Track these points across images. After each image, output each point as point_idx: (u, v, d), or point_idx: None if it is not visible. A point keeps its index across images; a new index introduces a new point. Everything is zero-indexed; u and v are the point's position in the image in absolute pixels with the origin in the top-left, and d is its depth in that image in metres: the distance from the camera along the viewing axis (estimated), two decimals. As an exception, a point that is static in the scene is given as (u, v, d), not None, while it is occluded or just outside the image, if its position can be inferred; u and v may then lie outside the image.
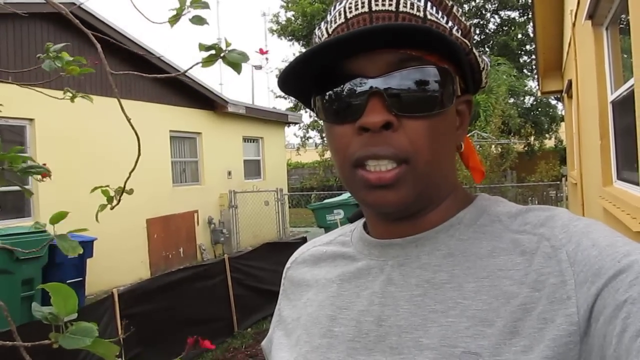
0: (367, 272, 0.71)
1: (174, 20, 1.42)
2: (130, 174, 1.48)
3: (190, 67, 1.47)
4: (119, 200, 1.52)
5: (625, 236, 0.59)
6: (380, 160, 0.62)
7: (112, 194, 1.50)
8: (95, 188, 1.50)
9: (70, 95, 1.93)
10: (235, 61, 1.31)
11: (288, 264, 0.86)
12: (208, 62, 1.34)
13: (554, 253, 0.60)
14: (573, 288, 0.56)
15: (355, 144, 0.64)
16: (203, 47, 1.34)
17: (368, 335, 0.66)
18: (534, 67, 19.88)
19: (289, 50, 35.02)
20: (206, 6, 1.40)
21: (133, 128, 1.42)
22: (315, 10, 21.53)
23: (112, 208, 1.51)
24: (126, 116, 1.42)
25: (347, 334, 0.68)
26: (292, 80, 0.67)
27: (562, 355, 0.54)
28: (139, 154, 1.45)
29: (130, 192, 1.51)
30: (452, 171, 0.71)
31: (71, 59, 1.71)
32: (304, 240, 7.66)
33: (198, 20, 1.44)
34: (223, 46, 1.33)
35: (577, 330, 0.54)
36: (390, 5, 0.63)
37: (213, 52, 1.34)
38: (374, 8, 0.63)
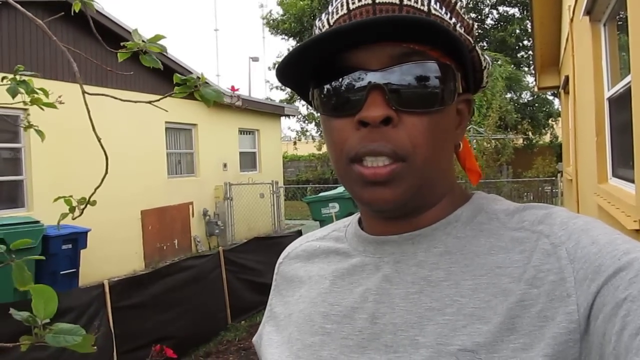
0: (362, 268, 0.70)
1: (123, 55, 1.49)
2: (95, 189, 1.51)
3: (162, 98, 1.56)
4: (82, 212, 1.55)
5: (624, 234, 0.59)
6: (378, 157, 0.61)
7: (74, 204, 1.53)
8: (58, 198, 1.54)
9: (26, 124, 2.04)
10: (209, 97, 1.40)
11: (280, 259, 0.85)
12: (180, 93, 1.44)
13: (554, 250, 0.59)
14: (573, 285, 0.56)
15: (354, 139, 0.62)
16: (178, 79, 1.43)
17: (362, 332, 0.65)
18: (531, 62, 19.91)
19: (283, 45, 34.97)
20: (163, 49, 1.46)
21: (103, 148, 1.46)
22: (307, 7, 21.55)
23: (73, 218, 1.54)
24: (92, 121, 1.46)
25: (340, 331, 0.67)
26: (290, 70, 0.66)
27: (562, 353, 0.54)
28: (106, 172, 1.48)
29: (93, 203, 1.56)
30: (449, 170, 0.70)
31: (38, 90, 1.74)
32: (299, 234, 7.65)
33: (151, 61, 1.49)
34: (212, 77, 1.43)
35: (577, 328, 0.54)
36: None
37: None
38: (377, 0, 0.61)
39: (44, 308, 0.92)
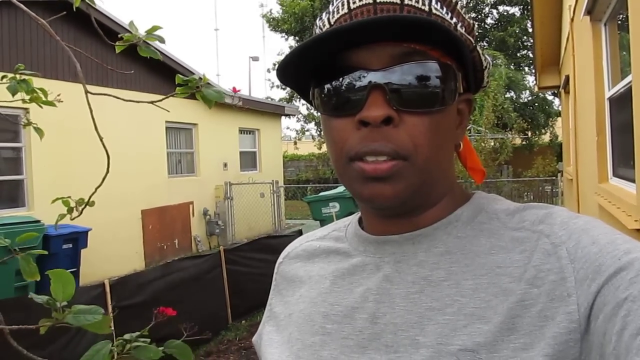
0: (362, 268, 0.70)
1: (121, 47, 1.51)
2: (96, 189, 1.52)
3: (164, 98, 1.56)
4: (80, 212, 1.56)
5: (625, 234, 0.59)
6: (379, 157, 0.61)
7: (72, 205, 1.55)
8: (56, 199, 1.56)
9: (25, 122, 2.07)
10: (211, 98, 1.42)
11: (280, 259, 0.85)
12: (182, 94, 1.46)
13: (554, 250, 0.59)
14: (573, 285, 0.56)
15: (354, 138, 0.62)
16: (180, 80, 1.45)
17: (362, 332, 0.65)
18: (531, 61, 19.88)
19: (284, 44, 35.01)
20: (162, 41, 1.47)
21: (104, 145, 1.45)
22: (308, 6, 21.53)
23: (72, 219, 1.56)
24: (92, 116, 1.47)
25: (341, 331, 0.67)
26: (291, 70, 0.65)
27: (562, 353, 0.54)
28: (107, 172, 1.49)
29: (92, 204, 1.57)
30: (450, 169, 0.70)
31: (37, 89, 1.77)
32: (299, 233, 7.65)
33: (148, 52, 1.51)
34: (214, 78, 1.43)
35: (577, 328, 0.54)
36: None
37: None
38: None
39: (62, 291, 0.95)
